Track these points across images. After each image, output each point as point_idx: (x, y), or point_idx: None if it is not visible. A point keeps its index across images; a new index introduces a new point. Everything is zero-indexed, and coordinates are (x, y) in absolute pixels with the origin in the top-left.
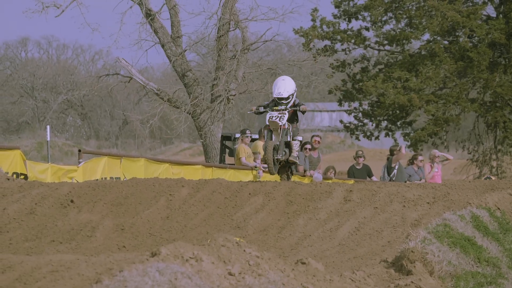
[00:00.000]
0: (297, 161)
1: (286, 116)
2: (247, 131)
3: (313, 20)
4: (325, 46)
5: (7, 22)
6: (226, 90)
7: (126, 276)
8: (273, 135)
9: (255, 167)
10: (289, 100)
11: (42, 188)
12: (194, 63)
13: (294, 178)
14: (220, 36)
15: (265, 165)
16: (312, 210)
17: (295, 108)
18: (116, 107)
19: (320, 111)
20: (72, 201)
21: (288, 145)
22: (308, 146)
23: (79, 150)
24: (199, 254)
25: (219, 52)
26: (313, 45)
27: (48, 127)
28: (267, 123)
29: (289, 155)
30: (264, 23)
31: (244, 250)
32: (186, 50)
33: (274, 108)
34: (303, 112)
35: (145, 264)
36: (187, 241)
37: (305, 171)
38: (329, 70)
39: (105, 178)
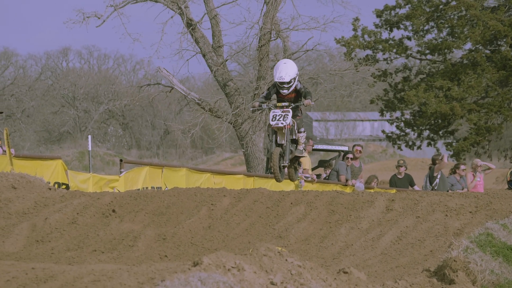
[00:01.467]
0: (303, 155)
1: (290, 113)
2: None
3: (355, 29)
4: (367, 55)
5: (48, 32)
6: None
7: (168, 285)
8: (277, 135)
9: (297, 176)
10: (290, 84)
11: (83, 197)
12: (235, 73)
13: (335, 187)
14: (261, 45)
15: (308, 175)
16: (354, 219)
17: (298, 104)
18: (157, 117)
19: (362, 120)
20: (113, 210)
21: (293, 140)
22: (350, 155)
23: (121, 160)
24: (241, 264)
25: (260, 61)
26: (355, 55)
27: (89, 137)
28: (270, 122)
29: (295, 150)
30: (306, 33)
31: (286, 260)
32: (227, 60)
33: (277, 104)
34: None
35: (187, 274)
36: (229, 251)
37: (347, 180)
38: (371, 80)
39: (147, 188)
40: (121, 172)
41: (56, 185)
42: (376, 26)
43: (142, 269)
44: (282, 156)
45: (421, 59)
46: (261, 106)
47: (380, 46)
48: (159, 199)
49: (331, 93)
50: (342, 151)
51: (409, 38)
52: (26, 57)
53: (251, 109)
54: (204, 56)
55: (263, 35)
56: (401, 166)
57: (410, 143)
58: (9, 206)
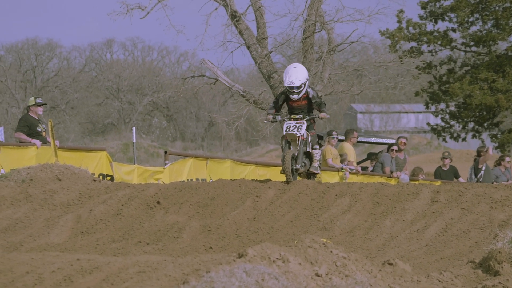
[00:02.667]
0: (318, 172)
1: (304, 125)
2: (334, 133)
3: (399, 21)
4: (412, 47)
5: (92, 24)
6: None
7: (213, 277)
8: (291, 146)
9: (342, 168)
10: (301, 89)
11: (128, 189)
12: (279, 65)
13: (380, 179)
14: (305, 37)
15: (352, 167)
16: (399, 211)
17: (313, 116)
18: (201, 109)
19: (407, 112)
20: (158, 202)
21: (308, 155)
22: (395, 147)
23: (165, 152)
24: (286, 255)
25: (305, 53)
26: (399, 47)
27: (134, 128)
28: (284, 133)
29: (310, 166)
30: (350, 25)
31: (331, 251)
32: (271, 52)
33: (292, 117)
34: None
35: (232, 265)
36: (274, 242)
37: (391, 172)
38: (415, 72)
39: (191, 180)
40: (165, 164)
41: (100, 177)
42: (421, 18)
43: (187, 261)
44: (294, 159)
45: (465, 51)
46: (275, 118)
47: (425, 38)
48: (203, 191)
49: (375, 85)
50: (389, 144)
51: (453, 30)
52: (70, 49)
53: (264, 121)
54: (248, 48)
55: (307, 27)
56: (446, 158)
57: (455, 135)
58: (54, 198)
